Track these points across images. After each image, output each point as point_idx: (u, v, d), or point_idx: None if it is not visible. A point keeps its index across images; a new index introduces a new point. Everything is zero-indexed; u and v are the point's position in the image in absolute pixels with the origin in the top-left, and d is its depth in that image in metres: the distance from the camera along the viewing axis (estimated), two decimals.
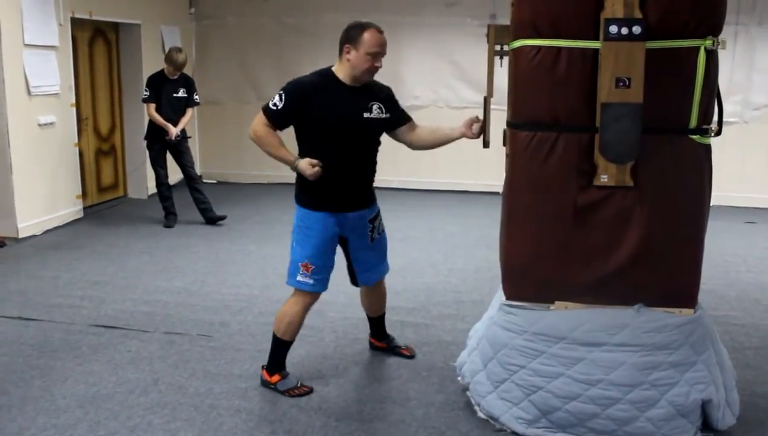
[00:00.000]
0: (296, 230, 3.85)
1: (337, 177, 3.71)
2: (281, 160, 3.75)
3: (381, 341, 4.47)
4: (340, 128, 3.70)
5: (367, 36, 3.62)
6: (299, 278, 3.82)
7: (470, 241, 7.19)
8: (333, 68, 3.76)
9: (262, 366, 4.03)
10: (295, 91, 3.69)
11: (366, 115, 3.75)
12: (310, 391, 3.93)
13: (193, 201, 7.76)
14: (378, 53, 3.66)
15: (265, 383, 3.97)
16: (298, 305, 3.88)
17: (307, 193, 3.79)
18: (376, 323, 4.42)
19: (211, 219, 7.76)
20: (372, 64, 3.66)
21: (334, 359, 4.38)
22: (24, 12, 6.99)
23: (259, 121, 3.73)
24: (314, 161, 3.66)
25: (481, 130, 3.80)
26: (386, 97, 3.88)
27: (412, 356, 4.40)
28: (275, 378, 3.94)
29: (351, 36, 3.66)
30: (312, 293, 3.87)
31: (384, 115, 3.82)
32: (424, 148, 4.08)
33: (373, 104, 3.78)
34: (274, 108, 3.68)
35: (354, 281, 4.11)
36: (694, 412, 3.35)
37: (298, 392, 3.90)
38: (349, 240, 3.92)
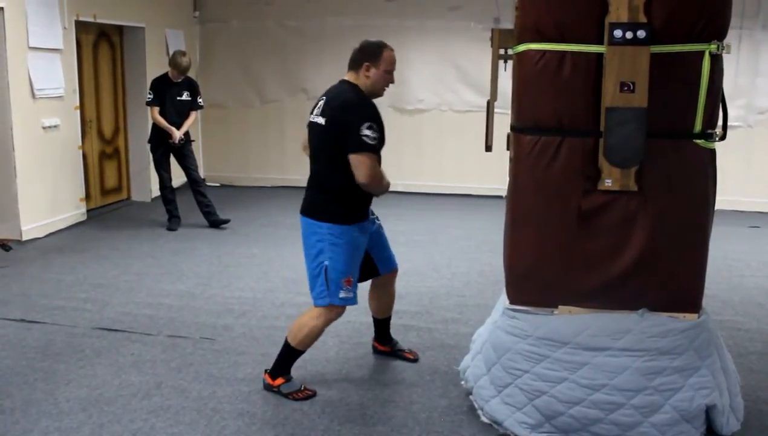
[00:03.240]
0: (328, 248, 3.76)
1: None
2: (386, 187, 3.79)
3: (384, 344, 4.46)
4: (382, 142, 3.78)
5: (386, 54, 3.76)
6: (342, 294, 3.78)
7: (474, 245, 7.18)
8: (354, 83, 3.78)
9: (265, 370, 4.03)
10: (376, 116, 3.69)
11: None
12: (314, 394, 3.93)
13: (197, 204, 7.76)
14: (393, 70, 3.80)
15: (268, 387, 3.97)
16: (323, 318, 3.84)
17: (339, 208, 3.76)
18: (382, 326, 4.42)
19: (215, 222, 7.76)
20: (388, 81, 3.79)
21: (338, 363, 4.37)
22: (29, 15, 7.01)
23: (371, 162, 3.62)
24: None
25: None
26: None
27: (415, 360, 4.39)
28: (279, 381, 3.93)
29: (371, 54, 3.74)
30: (343, 307, 3.87)
31: None
32: None
33: None
34: (375, 142, 3.63)
35: (375, 273, 4.11)
36: (698, 417, 3.34)
37: (302, 396, 3.90)
38: (368, 239, 3.98)
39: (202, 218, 7.80)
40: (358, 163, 3.60)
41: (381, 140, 3.69)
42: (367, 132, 3.58)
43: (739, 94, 8.72)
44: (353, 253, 3.81)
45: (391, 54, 3.78)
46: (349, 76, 3.80)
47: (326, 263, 3.75)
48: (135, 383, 4.06)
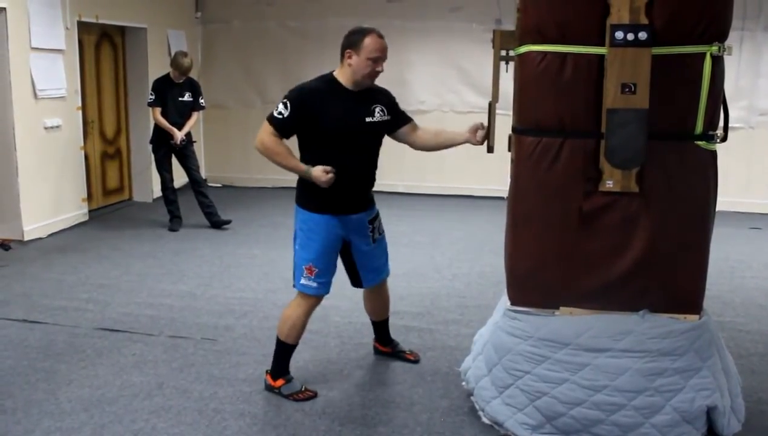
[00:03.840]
0: (299, 234, 3.87)
1: (340, 180, 3.71)
2: (292, 170, 3.74)
3: (385, 345, 4.47)
4: (345, 133, 3.71)
5: (368, 41, 3.64)
6: (303, 281, 3.83)
7: (475, 246, 7.18)
8: (335, 73, 3.77)
9: (266, 371, 4.03)
10: (300, 98, 3.68)
11: (368, 119, 3.78)
12: (315, 395, 3.93)
13: (198, 205, 7.77)
14: (379, 58, 3.67)
15: (269, 388, 3.97)
16: (301, 307, 3.88)
17: (310, 196, 3.79)
18: (381, 328, 4.42)
19: (216, 223, 7.76)
20: (373, 69, 3.68)
21: (339, 364, 4.38)
22: (31, 15, 7.02)
23: (266, 131, 3.70)
24: (328, 168, 3.66)
25: (485, 136, 3.82)
26: (386, 99, 3.91)
27: (416, 361, 4.39)
28: (279, 382, 3.94)
29: (352, 41, 3.67)
30: (315, 296, 3.87)
31: (386, 118, 3.85)
32: (426, 150, 4.10)
33: (375, 107, 3.82)
34: (280, 117, 3.66)
35: (357, 283, 4.12)
36: (699, 418, 3.34)
37: (303, 397, 3.90)
38: (352, 242, 3.93)
39: (204, 219, 7.80)
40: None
41: (287, 116, 3.64)
42: (279, 105, 3.68)
43: (741, 95, 8.72)
44: (323, 243, 3.80)
45: (377, 40, 3.64)
46: (338, 67, 3.77)
47: (297, 247, 3.85)
48: (136, 384, 4.07)
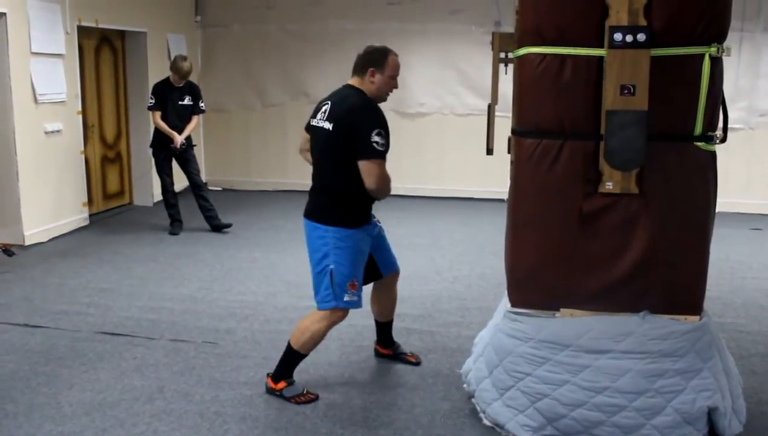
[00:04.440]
0: (335, 252, 3.76)
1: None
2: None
3: (386, 347, 4.47)
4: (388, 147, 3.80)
5: (390, 61, 3.78)
6: (347, 297, 3.78)
7: (475, 248, 7.18)
8: (359, 88, 3.79)
9: (268, 374, 4.03)
10: (385, 121, 3.71)
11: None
12: (316, 398, 3.94)
13: (199, 208, 7.77)
14: (396, 76, 3.82)
15: (270, 391, 3.97)
16: (327, 321, 3.85)
17: (347, 213, 3.78)
18: (384, 329, 4.43)
19: (217, 227, 7.77)
20: (392, 86, 3.81)
21: (340, 366, 4.38)
22: (31, 20, 7.03)
23: (383, 168, 3.66)
24: None
25: None
26: None
27: (417, 363, 4.40)
28: (281, 385, 3.94)
29: (375, 59, 3.76)
30: (347, 311, 3.88)
31: None
32: None
33: None
34: (384, 148, 3.65)
35: (375, 276, 4.11)
36: (700, 419, 3.34)
37: (304, 399, 3.90)
38: (371, 242, 3.99)
39: (204, 222, 7.80)
40: (369, 170, 3.62)
41: (388, 145, 3.70)
42: (376, 138, 3.60)
43: (741, 96, 8.72)
44: (357, 256, 3.82)
45: (396, 60, 3.80)
46: (353, 81, 3.81)
47: (331, 266, 3.75)
48: (138, 387, 4.07)
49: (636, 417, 3.32)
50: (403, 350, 4.48)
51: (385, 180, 3.69)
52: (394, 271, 4.22)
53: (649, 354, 3.35)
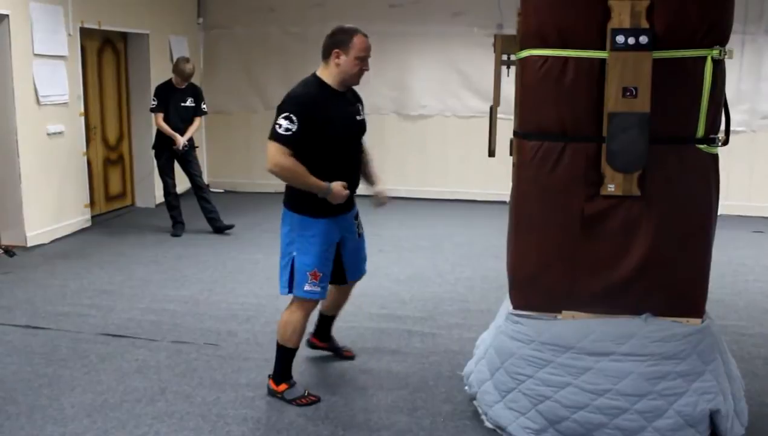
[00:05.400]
0: (296, 239, 3.77)
1: (339, 181, 3.72)
2: (311, 188, 3.63)
3: (324, 341, 4.47)
4: (343, 134, 3.74)
5: (356, 40, 3.66)
6: (307, 287, 3.77)
7: (477, 250, 7.18)
8: (318, 75, 3.74)
9: (269, 375, 4.03)
10: (304, 108, 3.59)
11: (358, 117, 3.85)
12: (318, 400, 3.93)
13: (201, 210, 7.78)
14: (366, 57, 3.70)
15: (272, 393, 3.97)
16: (301, 311, 3.85)
17: (307, 200, 3.72)
18: (327, 323, 4.41)
19: (219, 228, 7.77)
20: (360, 68, 3.70)
21: (341, 368, 4.38)
22: (33, 22, 7.04)
23: (278, 152, 3.56)
24: (344, 183, 3.68)
25: (380, 203, 4.02)
26: (360, 99, 3.97)
27: (352, 357, 4.41)
28: (282, 387, 3.94)
29: (339, 40, 3.68)
30: (315, 300, 3.87)
31: (365, 114, 3.93)
32: None
33: (358, 105, 3.90)
34: (289, 133, 3.54)
35: (340, 280, 4.05)
36: (702, 422, 3.33)
37: (305, 402, 3.90)
38: (343, 240, 3.94)
39: (206, 224, 7.81)
40: (267, 150, 3.59)
41: (297, 133, 3.53)
42: (280, 121, 3.55)
43: (743, 99, 8.72)
44: (323, 247, 3.77)
45: (364, 40, 3.67)
46: (320, 68, 3.74)
47: (294, 253, 3.75)
48: (139, 389, 4.07)
49: (638, 420, 3.32)
50: (339, 345, 4.47)
51: (277, 162, 3.55)
52: (359, 277, 4.16)
53: (651, 357, 3.35)
